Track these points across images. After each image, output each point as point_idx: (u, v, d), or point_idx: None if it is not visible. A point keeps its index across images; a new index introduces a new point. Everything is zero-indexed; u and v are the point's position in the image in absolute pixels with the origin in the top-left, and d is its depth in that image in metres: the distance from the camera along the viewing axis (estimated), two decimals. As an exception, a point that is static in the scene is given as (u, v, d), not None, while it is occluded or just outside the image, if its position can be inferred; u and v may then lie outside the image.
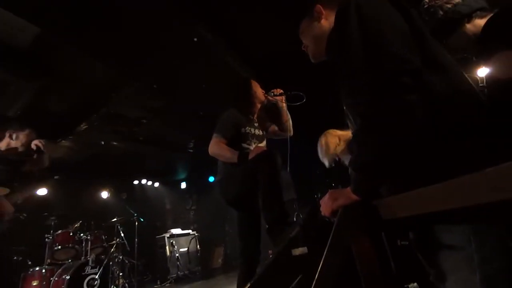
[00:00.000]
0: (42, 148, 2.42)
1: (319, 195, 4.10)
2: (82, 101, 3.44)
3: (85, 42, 2.57)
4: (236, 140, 1.86)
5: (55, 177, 5.02)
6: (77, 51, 2.66)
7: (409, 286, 0.99)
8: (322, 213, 0.81)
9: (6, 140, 2.33)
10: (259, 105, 2.02)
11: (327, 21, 0.92)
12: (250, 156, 1.69)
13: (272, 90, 2.04)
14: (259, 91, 2.01)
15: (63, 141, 4.21)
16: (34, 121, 3.51)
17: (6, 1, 2.04)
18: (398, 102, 0.62)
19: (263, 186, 1.56)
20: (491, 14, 0.97)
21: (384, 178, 0.71)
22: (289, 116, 2.10)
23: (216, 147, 1.79)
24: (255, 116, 2.05)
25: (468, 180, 0.44)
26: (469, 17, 1.03)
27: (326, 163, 2.10)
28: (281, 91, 2.02)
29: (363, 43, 0.68)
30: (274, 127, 2.14)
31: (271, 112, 2.07)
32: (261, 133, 2.04)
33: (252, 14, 2.56)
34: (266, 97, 2.01)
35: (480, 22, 1.00)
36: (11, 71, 2.65)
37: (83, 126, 3.92)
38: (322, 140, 2.05)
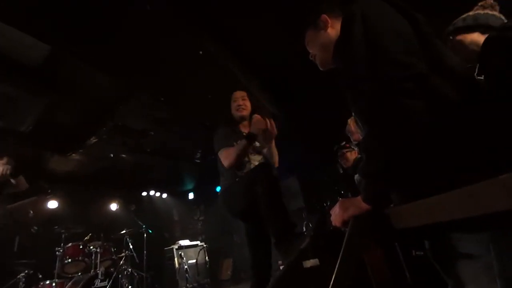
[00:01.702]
0: (8, 173, 2.48)
1: (328, 203, 4.03)
2: (91, 114, 3.53)
3: (92, 56, 2.65)
4: None
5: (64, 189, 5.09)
6: (85, 66, 2.75)
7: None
8: (333, 224, 0.80)
9: None
10: (241, 114, 1.97)
11: (333, 30, 0.94)
12: (252, 128, 1.72)
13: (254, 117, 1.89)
14: (234, 109, 1.99)
15: (73, 154, 4.29)
16: (45, 135, 3.62)
17: (16, 21, 2.14)
18: (403, 108, 0.62)
19: (263, 199, 1.54)
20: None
21: (394, 185, 0.70)
22: (275, 151, 2.02)
23: (228, 154, 1.78)
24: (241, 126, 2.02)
25: (484, 187, 0.42)
26: (484, 29, 1.01)
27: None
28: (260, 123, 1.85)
29: (368, 50, 0.68)
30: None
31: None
32: (257, 144, 2.01)
33: (256, 25, 2.61)
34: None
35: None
36: (21, 87, 2.75)
37: (93, 140, 4.00)
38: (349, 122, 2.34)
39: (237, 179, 1.76)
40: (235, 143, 1.83)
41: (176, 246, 5.16)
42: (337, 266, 0.63)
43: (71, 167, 4.73)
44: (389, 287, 0.64)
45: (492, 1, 1.05)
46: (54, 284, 3.16)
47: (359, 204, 0.72)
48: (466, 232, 0.60)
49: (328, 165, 4.05)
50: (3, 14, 2.07)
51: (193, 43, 2.62)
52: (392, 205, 0.69)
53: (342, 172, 3.34)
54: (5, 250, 3.58)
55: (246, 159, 1.90)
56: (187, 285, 4.72)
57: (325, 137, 4.02)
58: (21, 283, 3.11)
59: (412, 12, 0.76)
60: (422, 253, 0.74)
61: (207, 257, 5.41)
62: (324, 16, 0.95)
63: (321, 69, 1.04)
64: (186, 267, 4.85)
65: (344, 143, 2.76)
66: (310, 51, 1.05)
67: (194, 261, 5.18)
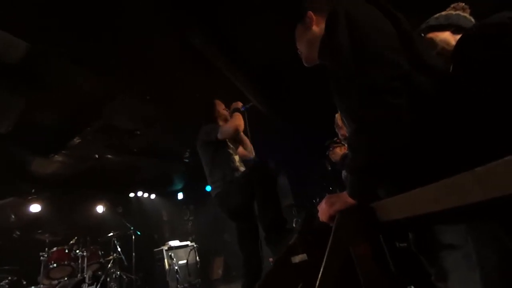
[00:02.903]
0: None
1: (318, 200, 4.09)
2: (75, 114, 3.42)
3: (76, 54, 2.57)
4: (224, 145, 2.01)
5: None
6: (68, 64, 2.66)
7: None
8: (320, 219, 0.82)
9: None
10: (222, 123, 2.16)
11: (318, 27, 0.95)
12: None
13: (232, 104, 2.19)
14: (221, 109, 2.20)
15: (55, 156, 4.14)
16: (25, 136, 3.48)
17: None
18: (390, 107, 0.64)
19: (258, 195, 1.57)
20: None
21: (379, 181, 0.72)
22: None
23: (230, 123, 1.92)
24: None
25: (458, 180, 0.45)
26: (455, 29, 1.05)
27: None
28: (240, 104, 2.16)
29: (353, 49, 0.70)
30: (241, 149, 2.27)
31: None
32: (232, 145, 2.16)
33: (245, 22, 2.61)
34: (228, 112, 2.17)
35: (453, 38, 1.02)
36: (1, 86, 2.63)
37: (76, 140, 3.88)
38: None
39: (236, 176, 1.84)
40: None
41: (165, 247, 5.10)
42: (324, 260, 0.65)
43: (53, 168, 4.57)
44: (375, 279, 0.66)
45: (463, 4, 1.10)
46: (38, 291, 3.06)
47: (345, 199, 0.74)
48: (445, 224, 0.63)
49: (317, 162, 4.11)
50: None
51: (181, 40, 2.58)
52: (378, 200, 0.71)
53: (330, 168, 3.39)
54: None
55: (233, 154, 2.03)
56: (178, 286, 4.68)
57: (314, 134, 4.08)
58: (3, 291, 3.00)
59: (393, 11, 0.78)
60: (405, 244, 0.77)
61: (197, 257, 5.38)
62: (310, 13, 0.97)
63: (305, 65, 1.06)
64: (176, 268, 4.81)
65: (335, 138, 2.81)
66: (298, 47, 1.06)
67: (185, 261, 5.14)
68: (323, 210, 0.79)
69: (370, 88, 0.65)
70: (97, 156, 4.54)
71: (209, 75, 3.01)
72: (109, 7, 2.19)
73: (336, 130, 2.49)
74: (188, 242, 5.55)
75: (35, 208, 4.50)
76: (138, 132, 4.11)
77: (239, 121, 1.90)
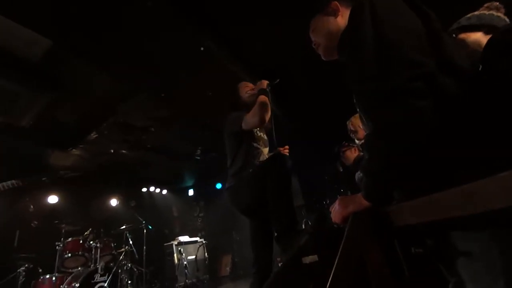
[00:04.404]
0: None
1: (328, 202, 4.04)
2: (91, 110, 3.53)
3: (94, 53, 2.65)
4: (249, 137, 1.84)
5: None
6: (87, 62, 2.74)
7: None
8: (333, 220, 0.80)
9: None
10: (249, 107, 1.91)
11: (342, 19, 0.91)
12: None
13: (257, 84, 1.94)
14: (245, 93, 1.98)
15: (73, 149, 4.30)
16: (45, 130, 3.62)
17: (18, 15, 2.13)
18: (410, 108, 0.61)
19: (271, 191, 1.52)
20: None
21: (396, 184, 0.70)
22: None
23: (254, 113, 1.70)
24: None
25: (483, 185, 0.43)
26: (488, 29, 1.00)
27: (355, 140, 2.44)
28: (265, 82, 1.91)
29: (376, 46, 0.67)
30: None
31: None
32: (265, 137, 2.01)
33: (255, 23, 2.60)
34: (253, 92, 1.92)
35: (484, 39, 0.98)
36: (22, 83, 2.74)
37: (93, 135, 4.00)
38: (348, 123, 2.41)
39: (250, 170, 1.70)
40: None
41: (175, 242, 5.19)
42: (336, 263, 0.64)
43: (71, 162, 4.73)
44: (388, 284, 0.64)
45: (497, 3, 1.04)
46: (54, 279, 3.18)
47: (359, 201, 0.72)
48: (466, 230, 0.60)
49: (328, 164, 4.06)
50: (2, 8, 2.06)
51: (193, 40, 2.61)
52: (393, 203, 0.69)
53: (342, 170, 3.35)
54: (5, 244, 3.60)
55: (260, 148, 1.86)
56: (186, 280, 4.75)
57: (325, 135, 4.03)
58: (21, 277, 3.13)
59: (424, 8, 0.74)
60: (421, 250, 0.74)
61: (206, 253, 5.45)
62: (335, 2, 0.93)
63: (323, 59, 1.01)
64: (185, 263, 4.88)
65: (344, 142, 2.77)
66: (314, 39, 1.01)
67: (194, 257, 5.21)
68: (337, 212, 0.78)
69: (391, 88, 0.63)
70: (112, 151, 4.67)
71: (222, 75, 3.02)
72: (127, 9, 2.24)
73: (351, 135, 2.45)
74: (197, 238, 5.63)
75: (52, 199, 4.69)
76: (152, 129, 4.19)
77: (264, 109, 1.65)
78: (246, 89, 2.02)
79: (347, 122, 2.46)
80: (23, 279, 3.13)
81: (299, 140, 4.53)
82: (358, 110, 0.82)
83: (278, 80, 1.94)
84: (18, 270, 3.19)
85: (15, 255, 3.40)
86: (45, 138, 3.84)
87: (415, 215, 0.59)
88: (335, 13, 0.93)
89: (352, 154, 2.76)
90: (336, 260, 0.65)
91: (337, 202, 0.80)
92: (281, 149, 1.91)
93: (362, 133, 2.30)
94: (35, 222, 4.06)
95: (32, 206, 4.06)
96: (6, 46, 2.39)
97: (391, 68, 0.64)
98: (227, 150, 1.91)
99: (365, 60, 0.68)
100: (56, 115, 3.46)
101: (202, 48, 2.64)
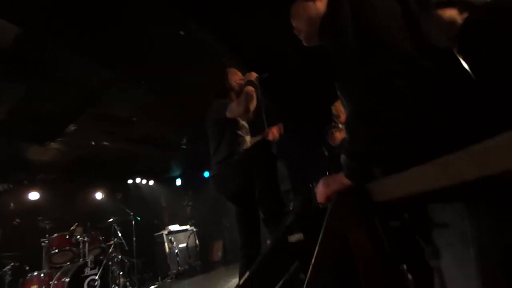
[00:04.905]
0: None
1: (314, 184, 4.13)
2: (70, 101, 3.36)
3: (72, 40, 2.49)
4: (233, 125, 1.84)
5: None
6: (64, 50, 2.57)
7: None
8: (318, 200, 0.82)
9: None
10: (234, 98, 1.93)
11: (321, 3, 0.90)
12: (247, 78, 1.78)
13: (246, 75, 1.92)
14: (234, 81, 1.96)
15: (51, 143, 4.11)
16: (19, 123, 3.43)
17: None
18: (390, 90, 0.62)
19: (259, 177, 1.55)
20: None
21: (375, 162, 0.72)
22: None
23: (239, 102, 1.71)
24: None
25: (455, 158, 0.44)
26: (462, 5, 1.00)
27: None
28: (254, 75, 1.89)
29: (355, 30, 0.67)
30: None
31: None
32: (247, 125, 2.01)
33: (243, 9, 2.52)
34: (242, 83, 1.91)
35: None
36: None
37: (72, 127, 3.84)
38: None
39: (235, 157, 1.71)
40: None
41: (166, 232, 5.20)
42: (319, 240, 0.66)
43: (49, 156, 4.55)
44: (371, 259, 0.67)
45: None
46: (42, 275, 3.13)
47: (342, 180, 0.74)
48: (442, 202, 0.63)
49: (314, 147, 4.12)
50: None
51: (176, 25, 2.50)
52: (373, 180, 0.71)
53: (327, 153, 3.41)
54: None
55: (243, 136, 1.87)
56: (179, 268, 4.81)
57: (311, 119, 4.05)
58: (7, 276, 3.05)
59: None
60: (398, 223, 0.78)
61: (197, 241, 5.50)
62: None
63: (305, 44, 1.01)
64: (176, 251, 4.93)
65: (333, 123, 2.80)
66: (295, 25, 1.01)
67: (185, 244, 5.25)
68: (320, 191, 0.80)
69: (371, 71, 0.63)
70: (93, 143, 4.51)
71: (208, 62, 2.93)
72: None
73: (335, 120, 2.48)
74: (188, 227, 5.66)
75: (33, 195, 4.53)
76: (134, 119, 4.06)
77: (250, 99, 1.66)
78: (235, 77, 2.00)
79: (335, 103, 2.48)
80: (9, 278, 3.06)
81: (285, 122, 4.55)
82: (339, 94, 0.83)
83: (267, 75, 1.94)
84: (4, 269, 3.10)
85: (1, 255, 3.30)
86: (21, 132, 3.65)
87: (396, 190, 0.62)
88: None
89: (340, 135, 2.81)
90: (320, 238, 0.67)
91: (320, 182, 0.82)
92: (274, 128, 1.96)
93: (344, 117, 2.34)
94: (17, 220, 3.93)
95: (12, 204, 3.90)
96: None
97: (371, 52, 0.64)
98: (210, 137, 1.91)
99: (345, 44, 0.68)
100: (31, 106, 3.27)
101: (181, 32, 2.53)
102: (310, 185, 4.66)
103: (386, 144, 0.67)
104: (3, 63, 2.51)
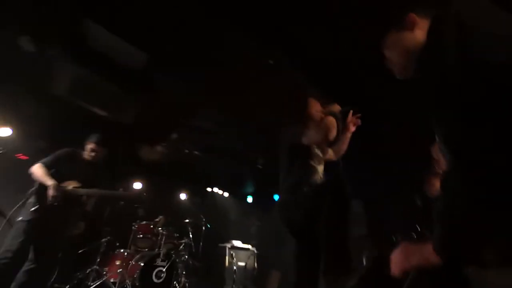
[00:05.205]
0: None
1: (396, 239, 3.49)
2: (172, 114, 4.12)
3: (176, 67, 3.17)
4: (305, 153, 1.80)
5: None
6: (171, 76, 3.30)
7: None
8: (391, 271, 0.67)
9: None
10: (313, 126, 1.88)
11: (421, 31, 0.79)
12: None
13: (328, 106, 1.92)
14: (315, 111, 1.92)
15: (158, 146, 5.03)
16: (136, 129, 4.37)
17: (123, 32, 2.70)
18: (502, 136, 0.47)
19: (326, 216, 1.41)
20: None
21: (482, 240, 0.54)
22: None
23: (317, 132, 1.78)
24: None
25: None
26: None
27: None
28: (338, 107, 1.89)
29: (460, 65, 0.55)
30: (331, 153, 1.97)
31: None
32: (320, 154, 1.90)
33: (317, 31, 2.58)
34: (322, 114, 1.89)
35: None
36: (125, 86, 3.43)
37: (173, 136, 4.62)
38: None
39: (305, 189, 1.64)
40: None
41: (229, 245, 5.35)
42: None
43: (155, 156, 5.52)
44: None
45: None
46: (126, 254, 3.70)
47: (427, 255, 0.57)
48: None
49: (404, 193, 3.54)
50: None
51: (259, 52, 2.77)
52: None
53: (420, 203, 2.85)
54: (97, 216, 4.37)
55: (314, 166, 1.81)
56: (234, 286, 4.83)
57: (404, 159, 3.54)
58: (103, 246, 3.75)
59: None
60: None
61: (256, 264, 5.44)
62: (412, 15, 0.82)
63: (399, 77, 0.91)
64: (235, 268, 4.98)
65: (433, 169, 2.33)
66: (388, 55, 0.92)
67: (244, 263, 5.27)
68: (397, 261, 0.65)
69: (477, 113, 0.50)
70: (187, 151, 5.26)
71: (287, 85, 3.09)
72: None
73: (435, 165, 2.08)
74: (250, 246, 5.68)
75: (137, 185, 5.53)
76: (222, 135, 4.56)
77: (331, 127, 1.67)
78: (316, 107, 1.98)
79: (431, 148, 2.08)
80: (104, 249, 3.74)
81: (370, 160, 4.13)
82: (436, 137, 0.68)
83: (350, 108, 1.94)
84: (102, 240, 3.82)
85: (103, 228, 4.10)
86: (138, 135, 4.64)
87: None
88: (412, 26, 0.81)
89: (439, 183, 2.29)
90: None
91: (399, 249, 0.67)
92: (354, 117, 1.94)
93: (442, 164, 1.92)
94: (122, 202, 4.81)
95: (121, 189, 4.84)
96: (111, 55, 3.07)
97: (479, 93, 0.50)
98: (281, 162, 1.89)
99: (447, 82, 0.56)
100: (149, 116, 4.13)
101: (271, 62, 2.74)
102: (393, 237, 3.97)
103: (497, 212, 0.49)
104: (127, 80, 3.33)
